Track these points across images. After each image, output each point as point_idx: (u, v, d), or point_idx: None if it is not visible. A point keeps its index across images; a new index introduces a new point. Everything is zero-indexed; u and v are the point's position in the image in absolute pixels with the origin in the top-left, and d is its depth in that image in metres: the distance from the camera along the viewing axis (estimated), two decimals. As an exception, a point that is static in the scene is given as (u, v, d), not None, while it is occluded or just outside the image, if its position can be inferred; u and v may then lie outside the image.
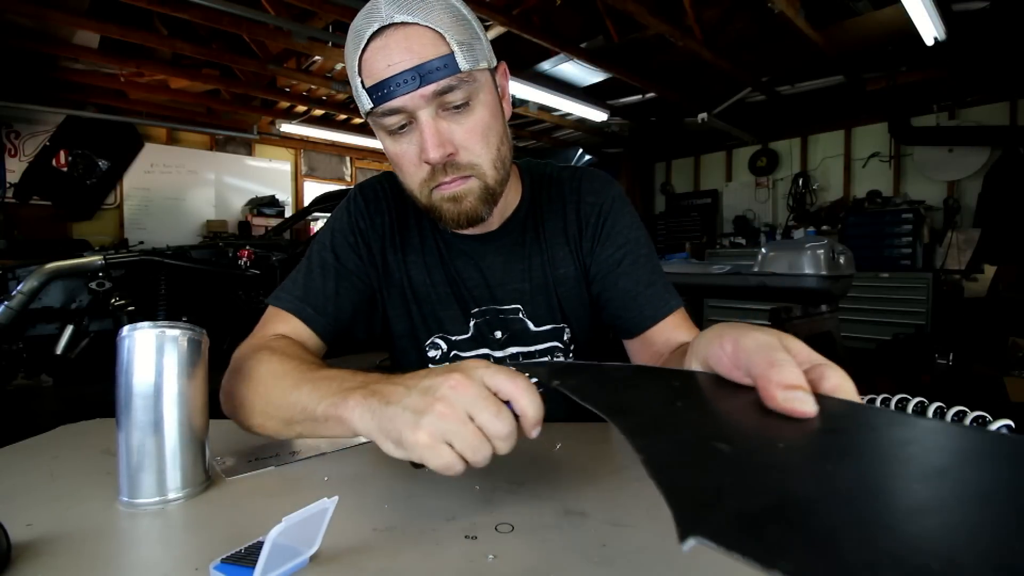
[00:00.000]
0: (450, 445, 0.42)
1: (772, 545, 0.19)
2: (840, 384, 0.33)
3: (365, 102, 0.65)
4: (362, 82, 0.64)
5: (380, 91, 0.62)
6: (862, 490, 0.22)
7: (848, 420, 0.29)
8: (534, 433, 0.45)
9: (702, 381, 0.38)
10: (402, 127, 0.66)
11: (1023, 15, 3.43)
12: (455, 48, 0.62)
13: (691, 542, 0.21)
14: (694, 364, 0.41)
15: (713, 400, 0.36)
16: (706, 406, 0.35)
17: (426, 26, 0.62)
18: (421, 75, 0.61)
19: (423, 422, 0.42)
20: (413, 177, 0.69)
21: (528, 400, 0.44)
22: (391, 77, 0.62)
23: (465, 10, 0.67)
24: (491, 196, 0.70)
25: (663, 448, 0.28)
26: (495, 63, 0.70)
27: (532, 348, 0.82)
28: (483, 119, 0.67)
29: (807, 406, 0.30)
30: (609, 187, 0.84)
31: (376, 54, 0.62)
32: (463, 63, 0.63)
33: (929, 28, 3.40)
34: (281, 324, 0.74)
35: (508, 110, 0.74)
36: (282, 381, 0.58)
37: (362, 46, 0.63)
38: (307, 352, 0.67)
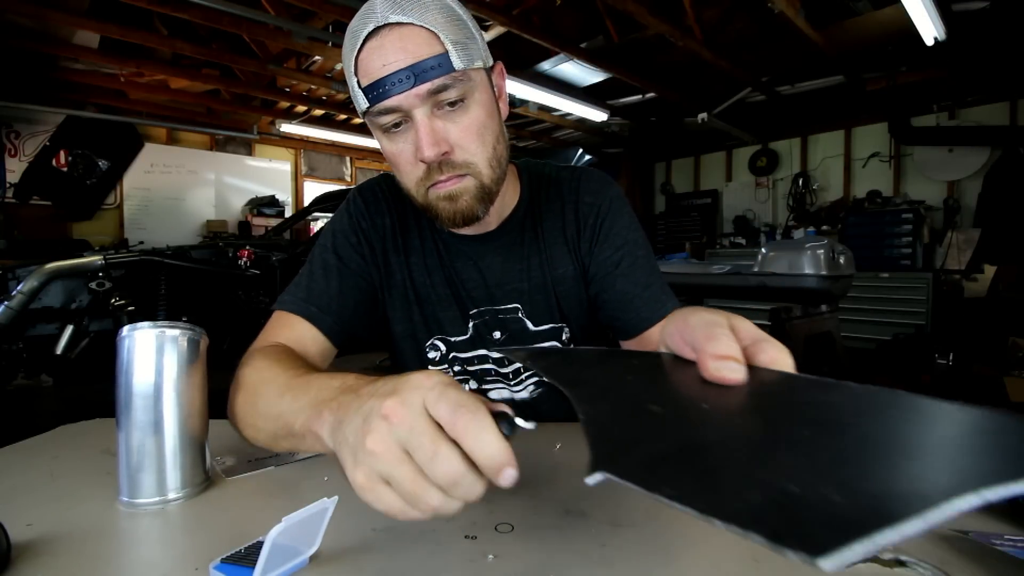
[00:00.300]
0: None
1: (662, 477, 0.23)
2: (777, 357, 0.35)
3: (361, 101, 0.65)
4: (358, 82, 0.65)
5: (375, 90, 0.63)
6: (757, 438, 0.26)
7: (773, 386, 0.33)
8: (501, 481, 0.33)
9: (658, 360, 0.41)
10: (397, 126, 0.66)
11: (1023, 15, 3.43)
12: (449, 47, 0.63)
13: (597, 476, 0.24)
14: (660, 348, 0.43)
15: (661, 374, 0.39)
16: (653, 378, 0.39)
17: (421, 26, 0.62)
18: (415, 74, 0.62)
19: (359, 457, 0.35)
20: (409, 176, 0.69)
21: (476, 439, 0.32)
22: (386, 76, 0.62)
23: (460, 10, 0.67)
24: (487, 195, 0.70)
25: (602, 410, 0.31)
26: (491, 63, 0.71)
27: (532, 349, 0.81)
28: (478, 118, 0.67)
29: (736, 374, 0.33)
30: (607, 188, 0.84)
31: (372, 54, 0.63)
32: (457, 62, 0.63)
33: (929, 28, 3.40)
34: (285, 328, 0.74)
35: (505, 110, 0.74)
36: (268, 388, 0.54)
37: (358, 46, 0.63)
38: (297, 357, 0.65)
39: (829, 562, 0.16)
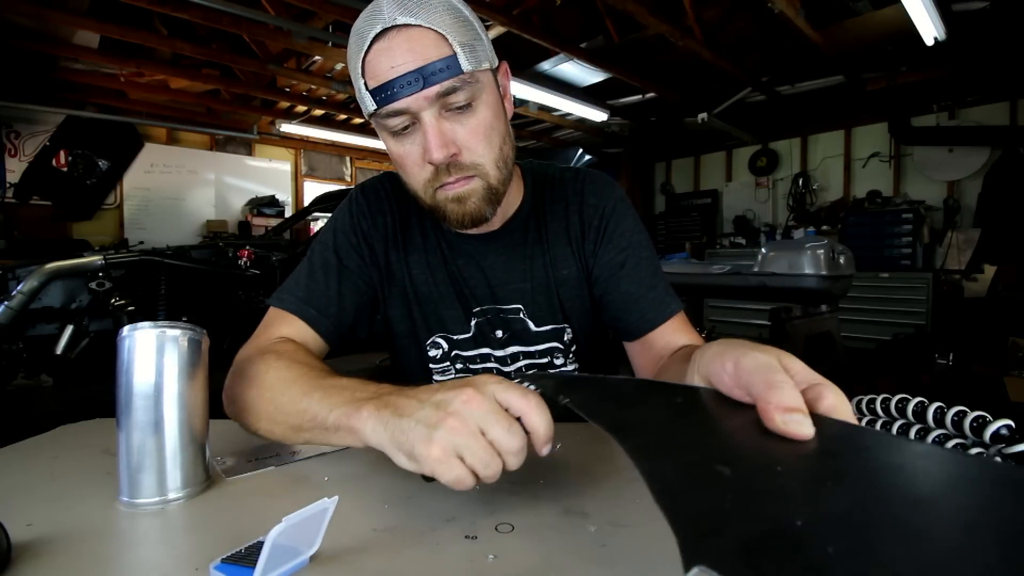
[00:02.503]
0: (461, 459, 0.43)
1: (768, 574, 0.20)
2: (836, 405, 0.34)
3: (369, 104, 0.65)
4: (365, 84, 0.64)
5: (383, 93, 0.63)
6: (854, 518, 0.23)
7: (843, 443, 0.31)
8: (545, 451, 0.45)
9: (704, 398, 0.39)
10: (405, 128, 0.66)
11: (1023, 15, 3.43)
12: (458, 49, 0.62)
13: (695, 571, 0.21)
14: (696, 379, 0.42)
15: (714, 419, 0.36)
16: (707, 425, 0.36)
17: (428, 27, 0.62)
18: (424, 76, 0.61)
19: (436, 436, 0.43)
20: (417, 178, 0.69)
21: (539, 418, 0.44)
22: (394, 79, 0.62)
23: (467, 11, 0.67)
24: (494, 196, 0.71)
25: (666, 470, 0.29)
26: (496, 63, 0.71)
27: (532, 348, 0.82)
28: (486, 119, 0.67)
29: (804, 428, 0.31)
30: (611, 189, 0.84)
31: (379, 56, 0.63)
32: (465, 64, 0.63)
33: (929, 28, 3.40)
34: (284, 326, 0.74)
35: (510, 109, 0.74)
36: (291, 387, 0.58)
37: (365, 48, 0.63)
38: (314, 357, 0.67)
39: None
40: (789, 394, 0.33)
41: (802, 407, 0.32)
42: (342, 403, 0.52)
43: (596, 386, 0.45)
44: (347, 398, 0.52)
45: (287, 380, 0.59)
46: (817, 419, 0.32)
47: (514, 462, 0.43)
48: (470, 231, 0.78)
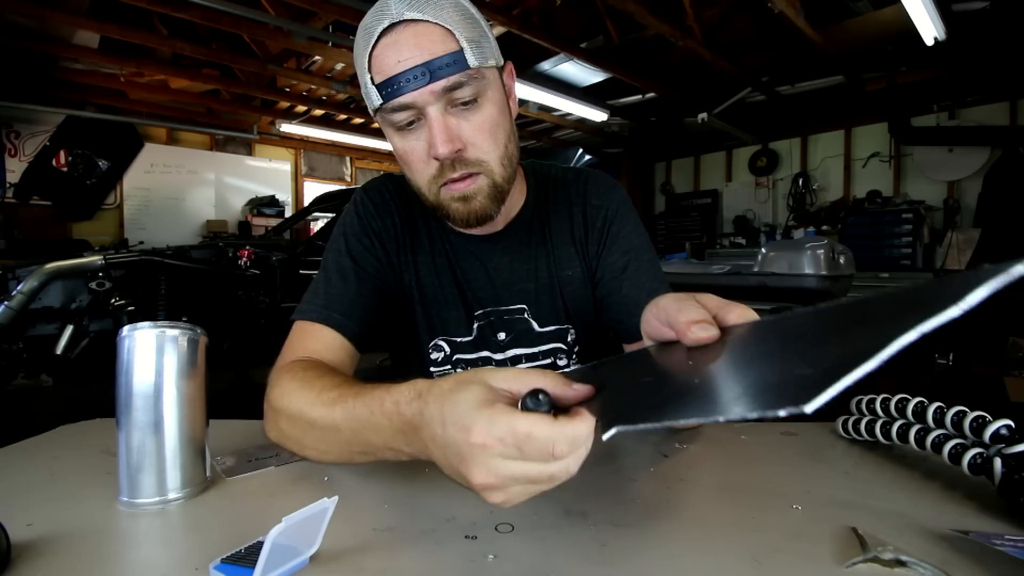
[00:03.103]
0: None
1: (664, 412, 0.31)
2: (744, 315, 0.40)
3: (374, 99, 0.65)
4: (371, 78, 0.64)
5: (390, 87, 0.63)
6: (733, 365, 0.34)
7: (744, 331, 0.38)
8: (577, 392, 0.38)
9: (645, 351, 0.46)
10: (411, 124, 0.66)
11: (1023, 15, 3.43)
12: (464, 45, 0.63)
13: (612, 431, 0.31)
14: (646, 341, 0.47)
15: (650, 357, 0.44)
16: (644, 362, 0.44)
17: (436, 23, 0.62)
18: (431, 71, 0.61)
19: (485, 496, 0.38)
20: (421, 174, 0.68)
21: (549, 381, 0.38)
22: (401, 73, 0.62)
23: (473, 9, 0.67)
24: (500, 194, 0.70)
25: (606, 396, 0.37)
26: (502, 62, 0.71)
27: (535, 349, 0.81)
28: (491, 116, 0.67)
29: (709, 332, 0.38)
30: (614, 191, 0.84)
31: (386, 50, 0.63)
32: (472, 60, 0.63)
33: (929, 28, 3.40)
34: (309, 339, 0.71)
35: (515, 109, 0.74)
36: (315, 411, 0.54)
37: (372, 43, 0.63)
38: (321, 366, 0.64)
39: (810, 405, 0.22)
40: (694, 310, 0.39)
41: (706, 318, 0.38)
42: (388, 439, 0.47)
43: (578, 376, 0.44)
44: (391, 435, 0.47)
45: (306, 405, 0.55)
46: (730, 328, 0.39)
47: (565, 460, 0.36)
48: (474, 231, 0.78)
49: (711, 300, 0.41)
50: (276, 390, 0.60)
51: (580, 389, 0.39)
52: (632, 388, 0.38)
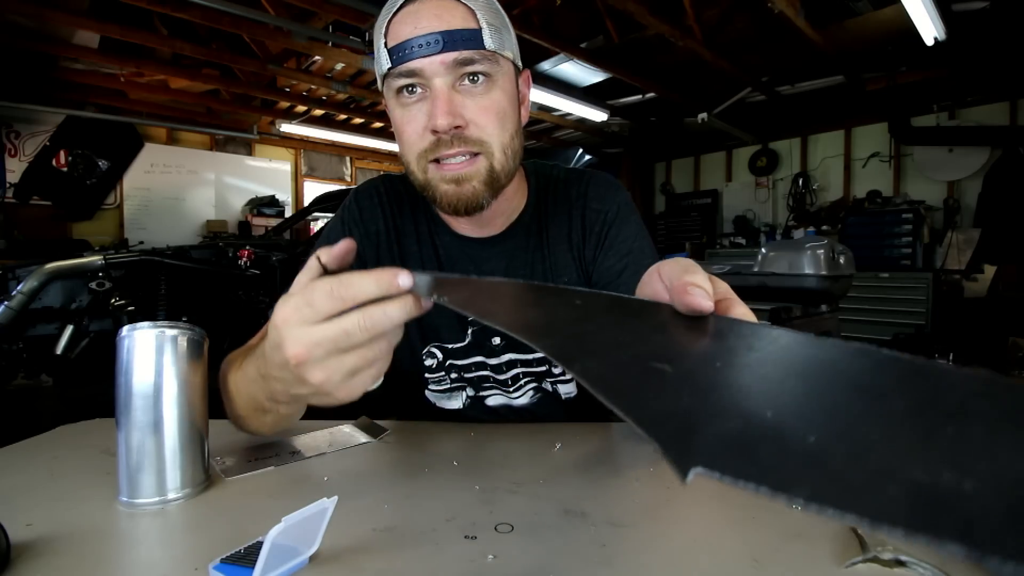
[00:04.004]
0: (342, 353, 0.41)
1: (769, 468, 0.18)
2: (745, 314, 0.37)
3: (384, 63, 0.64)
4: (385, 43, 0.63)
5: (401, 51, 0.62)
6: (815, 407, 0.22)
7: (759, 340, 0.29)
8: (401, 281, 0.39)
9: (603, 302, 0.35)
10: (412, 90, 0.64)
11: (1023, 15, 3.43)
12: (484, 25, 0.63)
13: (693, 474, 0.19)
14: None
15: (625, 319, 0.34)
16: (621, 325, 0.33)
17: (459, 1, 0.63)
18: (445, 41, 0.61)
19: (305, 375, 0.41)
20: (413, 147, 0.66)
21: (358, 292, 0.39)
22: (414, 38, 0.61)
23: (497, 5, 0.68)
24: (495, 182, 0.68)
25: (602, 371, 0.27)
26: (520, 65, 0.71)
27: (529, 356, 0.80)
28: (499, 101, 0.66)
29: (707, 302, 0.32)
30: (615, 193, 0.82)
31: (405, 18, 0.63)
32: (489, 42, 0.63)
33: (929, 28, 3.39)
34: None
35: (525, 116, 0.73)
36: (234, 382, 0.59)
37: (393, 11, 0.63)
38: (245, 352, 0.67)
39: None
40: (700, 278, 0.34)
41: (708, 288, 0.33)
42: (260, 389, 0.52)
43: (478, 286, 0.39)
44: (259, 383, 0.52)
45: (233, 386, 0.59)
46: (735, 321, 0.32)
47: (394, 315, 0.40)
48: (470, 232, 0.77)
49: (721, 283, 0.37)
50: (220, 369, 0.65)
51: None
52: (654, 380, 0.26)
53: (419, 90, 0.64)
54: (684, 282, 0.33)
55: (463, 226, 0.79)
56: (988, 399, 0.21)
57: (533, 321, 0.34)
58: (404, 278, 0.39)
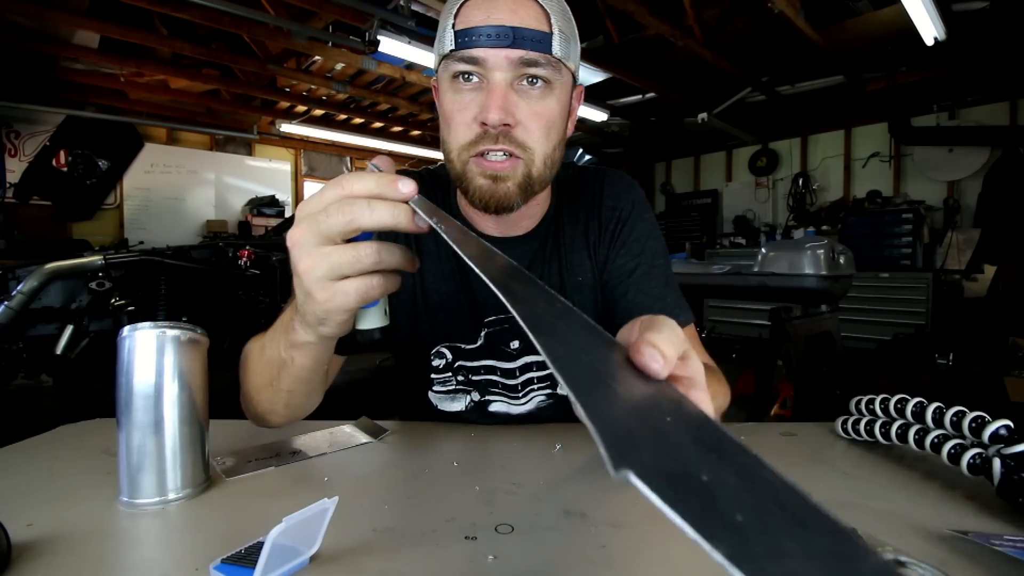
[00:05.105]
0: (345, 276, 0.43)
1: (695, 510, 0.19)
2: (700, 398, 0.31)
3: (447, 43, 0.63)
4: (453, 23, 0.63)
5: (468, 36, 0.61)
6: (745, 495, 0.21)
7: (710, 437, 0.25)
8: (403, 188, 0.41)
9: (578, 318, 0.32)
10: (469, 78, 0.64)
11: (1023, 15, 3.43)
12: (555, 31, 0.62)
13: (624, 473, 0.19)
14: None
15: (590, 335, 0.31)
16: (587, 333, 0.31)
17: (537, 1, 0.62)
18: (515, 36, 0.61)
19: (309, 287, 0.43)
20: (460, 136, 0.65)
21: (359, 187, 0.41)
22: (485, 26, 0.61)
23: (571, 14, 0.67)
24: (529, 188, 0.67)
25: (569, 361, 0.26)
26: (578, 78, 0.71)
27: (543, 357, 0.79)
28: (552, 110, 0.65)
29: (659, 364, 0.28)
30: (629, 191, 0.82)
31: (480, 3, 0.62)
32: (557, 49, 0.63)
33: (929, 28, 3.39)
34: None
35: (571, 129, 0.73)
36: (257, 356, 0.61)
37: None
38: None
39: None
40: (667, 339, 0.29)
41: (668, 353, 0.29)
42: (280, 339, 0.54)
43: (477, 242, 0.38)
44: (280, 333, 0.54)
45: (254, 355, 0.61)
46: (684, 407, 0.27)
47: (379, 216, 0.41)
48: (493, 232, 0.77)
49: (696, 357, 0.32)
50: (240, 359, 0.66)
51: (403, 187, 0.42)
52: (610, 396, 0.26)
53: (476, 79, 0.64)
54: (646, 336, 0.29)
55: (489, 225, 0.78)
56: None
57: (514, 289, 0.32)
58: (405, 185, 0.40)
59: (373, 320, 0.48)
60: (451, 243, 0.36)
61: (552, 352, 0.26)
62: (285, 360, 0.54)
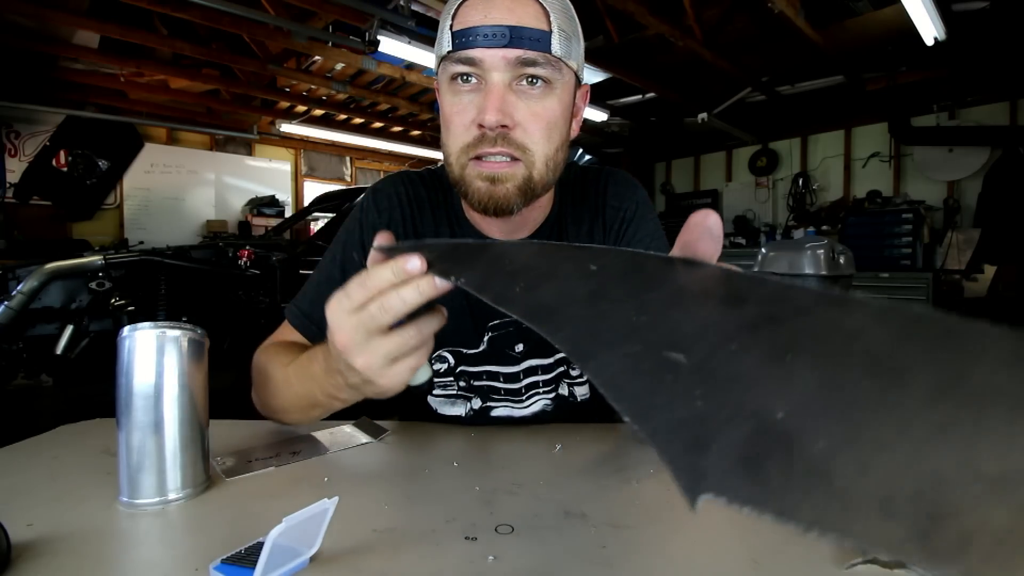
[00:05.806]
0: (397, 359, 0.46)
1: (774, 489, 0.17)
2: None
3: (445, 44, 0.63)
4: (451, 24, 0.62)
5: (465, 36, 0.61)
6: (828, 398, 0.20)
7: (782, 306, 0.25)
8: (409, 265, 0.42)
9: (616, 260, 0.33)
10: (467, 79, 0.63)
11: (1023, 15, 3.43)
12: (554, 29, 0.61)
13: (701, 502, 0.19)
14: None
15: (639, 287, 0.30)
16: (635, 298, 0.30)
17: (536, 0, 0.62)
18: (512, 36, 0.60)
19: (351, 359, 0.45)
20: (458, 139, 0.65)
21: (378, 283, 0.43)
22: (481, 26, 0.60)
23: (573, 12, 0.66)
24: (530, 191, 0.66)
25: (616, 370, 0.25)
26: (582, 79, 0.70)
27: (550, 360, 0.78)
28: (552, 110, 0.64)
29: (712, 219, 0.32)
30: (633, 191, 0.82)
31: (477, 3, 0.62)
32: (557, 48, 0.61)
33: (929, 28, 3.39)
34: (291, 336, 0.76)
35: (575, 130, 0.72)
36: (277, 375, 0.65)
37: None
38: (286, 347, 0.71)
39: None
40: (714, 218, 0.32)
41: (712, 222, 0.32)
42: (315, 387, 0.57)
43: (492, 257, 0.38)
44: (314, 381, 0.57)
45: (278, 382, 0.64)
46: (747, 281, 0.27)
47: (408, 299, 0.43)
48: (496, 234, 0.76)
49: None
50: (254, 361, 0.70)
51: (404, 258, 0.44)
52: (668, 377, 0.24)
53: (474, 80, 0.63)
54: (702, 221, 0.32)
55: (492, 228, 0.77)
56: (1010, 369, 0.18)
57: (548, 302, 0.32)
58: (412, 262, 0.42)
59: (422, 375, 0.50)
60: (476, 292, 0.36)
61: (602, 376, 0.26)
62: (322, 402, 0.57)
